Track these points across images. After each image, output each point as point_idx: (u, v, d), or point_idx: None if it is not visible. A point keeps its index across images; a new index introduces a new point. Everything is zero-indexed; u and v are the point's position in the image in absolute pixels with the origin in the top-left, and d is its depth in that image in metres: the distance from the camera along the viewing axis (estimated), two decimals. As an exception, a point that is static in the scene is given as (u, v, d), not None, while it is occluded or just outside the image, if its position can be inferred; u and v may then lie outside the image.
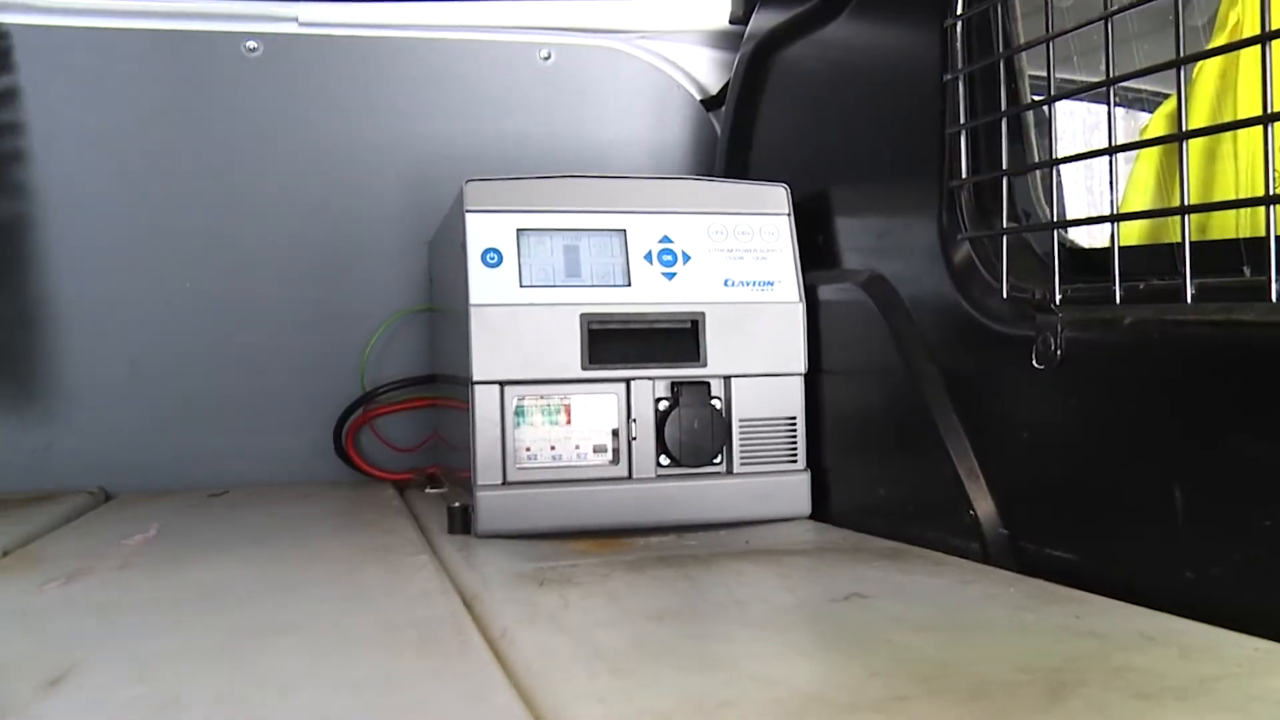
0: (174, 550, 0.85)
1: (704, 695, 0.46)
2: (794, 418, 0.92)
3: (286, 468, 1.22)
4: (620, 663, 0.52)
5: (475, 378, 0.86)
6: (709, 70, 1.28)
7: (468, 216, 0.88)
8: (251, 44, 1.20)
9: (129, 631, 0.62)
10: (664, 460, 0.89)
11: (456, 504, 0.88)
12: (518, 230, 0.89)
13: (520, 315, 0.87)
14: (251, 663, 0.55)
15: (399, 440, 1.25)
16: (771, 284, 0.92)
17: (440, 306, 1.13)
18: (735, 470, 0.90)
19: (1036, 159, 0.81)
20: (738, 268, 0.92)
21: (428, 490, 1.14)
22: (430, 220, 1.18)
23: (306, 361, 1.23)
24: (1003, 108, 0.79)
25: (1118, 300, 0.67)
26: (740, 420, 0.90)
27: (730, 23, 1.22)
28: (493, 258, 0.88)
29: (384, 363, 1.24)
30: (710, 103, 1.27)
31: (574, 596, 0.65)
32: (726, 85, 1.23)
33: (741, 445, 0.90)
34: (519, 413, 0.87)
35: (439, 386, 1.16)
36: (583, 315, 0.87)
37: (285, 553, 0.83)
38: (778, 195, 0.95)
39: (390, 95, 1.24)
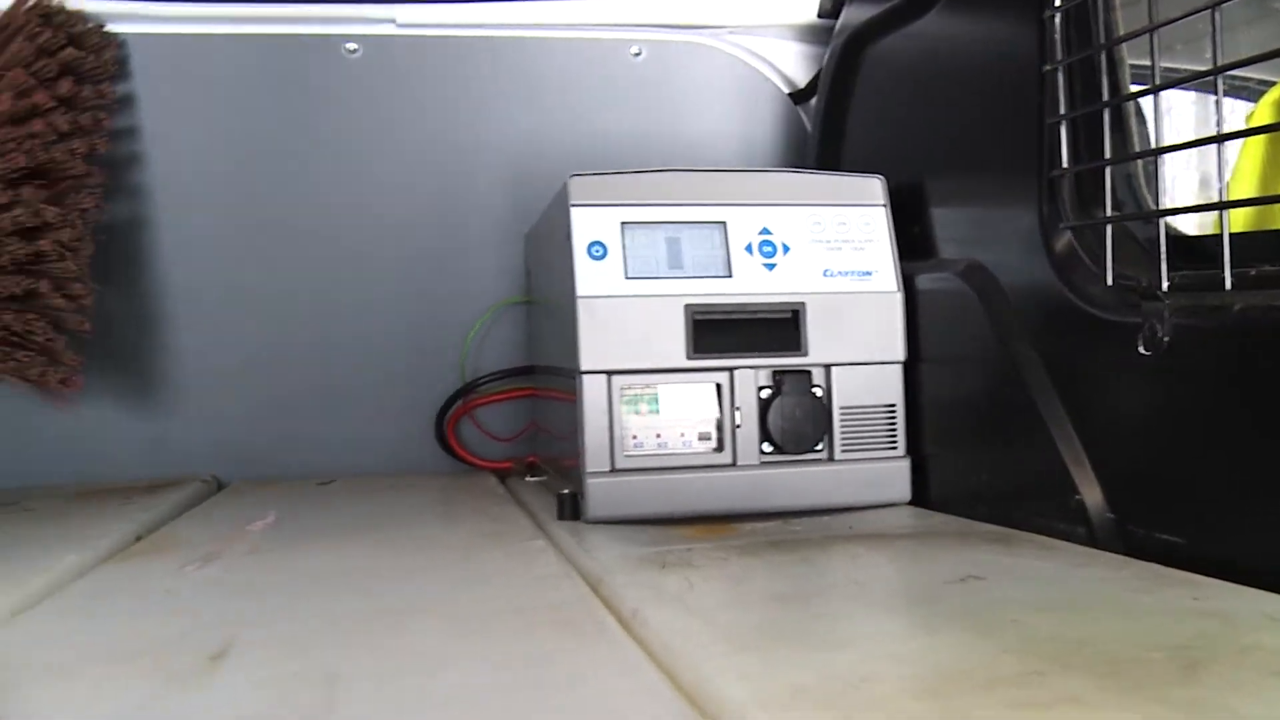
0: (296, 536, 0.89)
1: (843, 671, 0.48)
2: (894, 405, 0.93)
3: (389, 457, 1.26)
4: (754, 641, 0.54)
5: (583, 367, 0.88)
6: (797, 64, 1.29)
7: (573, 210, 0.91)
8: (351, 45, 1.23)
9: (273, 611, 0.65)
10: (767, 447, 0.91)
11: (566, 491, 0.90)
12: (622, 223, 0.91)
13: (626, 306, 0.89)
14: (397, 641, 0.58)
15: (498, 430, 1.28)
16: (870, 274, 0.94)
17: (539, 299, 1.16)
18: (836, 457, 0.92)
19: (1138, 148, 0.82)
20: (836, 258, 0.93)
21: (527, 478, 1.17)
22: (526, 215, 1.21)
23: (407, 353, 1.27)
24: (1104, 97, 0.80)
25: (1228, 286, 0.68)
26: (841, 408, 0.92)
27: (819, 17, 1.23)
28: (598, 250, 0.90)
29: (481, 354, 1.27)
30: (798, 96, 1.29)
31: (696, 579, 0.67)
32: (815, 79, 1.25)
33: (843, 432, 0.92)
34: (625, 401, 0.89)
35: (537, 377, 1.19)
36: (686, 306, 0.89)
37: (404, 538, 0.86)
38: (874, 186, 0.96)
39: (485, 93, 1.26)
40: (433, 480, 1.20)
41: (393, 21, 1.22)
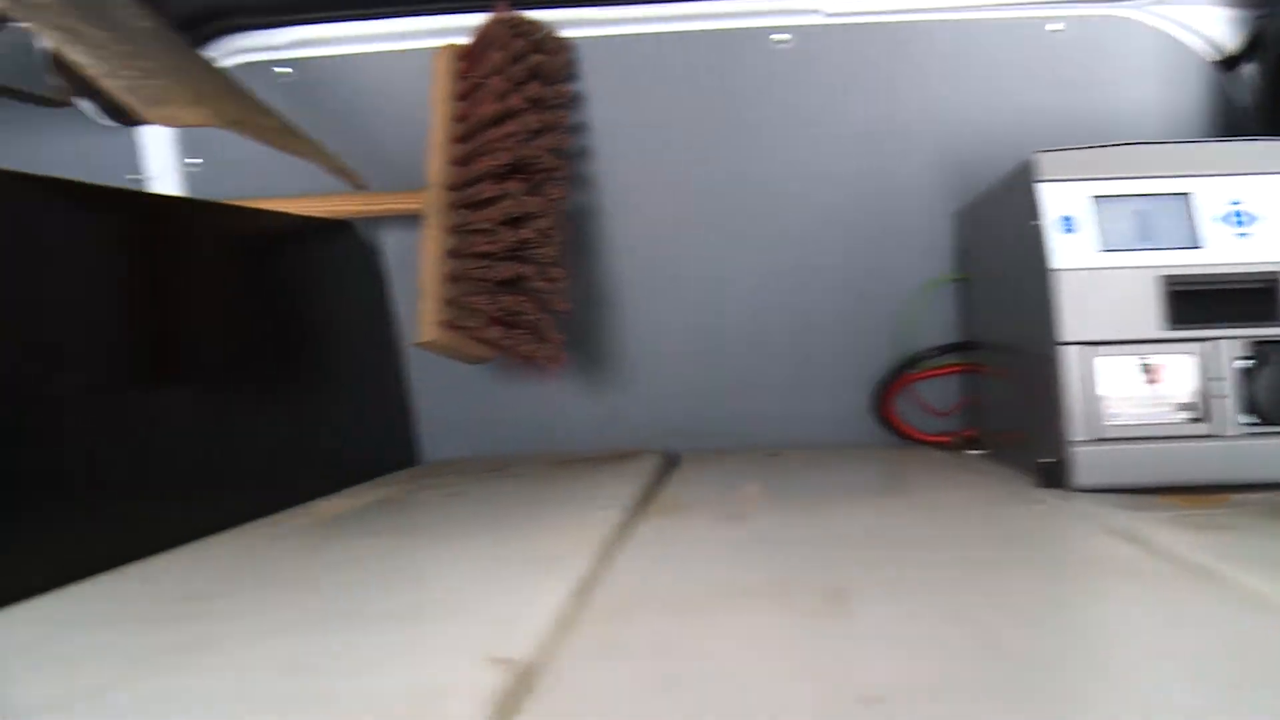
0: (800, 500, 0.91)
1: None
2: (1384, 376, 0.91)
3: (823, 431, 1.32)
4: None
5: (1063, 339, 0.90)
6: (1222, 31, 1.26)
7: (1042, 187, 0.93)
8: (780, 36, 1.29)
9: (852, 561, 0.68)
10: (1245, 418, 0.90)
11: (1050, 460, 0.93)
12: (1093, 197, 0.93)
13: (1100, 279, 0.90)
14: (1001, 589, 0.60)
15: (932, 405, 1.31)
16: (1352, 242, 0.91)
17: (982, 275, 1.19)
18: (1325, 428, 0.90)
19: None
20: (1314, 227, 0.92)
21: (966, 452, 1.20)
22: (953, 194, 1.24)
23: (838, 331, 1.32)
24: None
25: None
26: (1329, 379, 0.90)
27: (1253, -22, 1.20)
28: (1069, 225, 0.92)
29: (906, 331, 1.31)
30: (1227, 63, 1.25)
31: (1243, 538, 0.68)
32: (1250, 44, 1.21)
33: (1332, 404, 0.90)
34: (1103, 372, 0.91)
35: (980, 352, 1.22)
36: (1161, 277, 0.90)
37: (906, 503, 0.89)
38: (1352, 152, 0.94)
39: (909, 76, 1.30)
40: (878, 453, 1.24)
41: (819, 11, 1.28)
